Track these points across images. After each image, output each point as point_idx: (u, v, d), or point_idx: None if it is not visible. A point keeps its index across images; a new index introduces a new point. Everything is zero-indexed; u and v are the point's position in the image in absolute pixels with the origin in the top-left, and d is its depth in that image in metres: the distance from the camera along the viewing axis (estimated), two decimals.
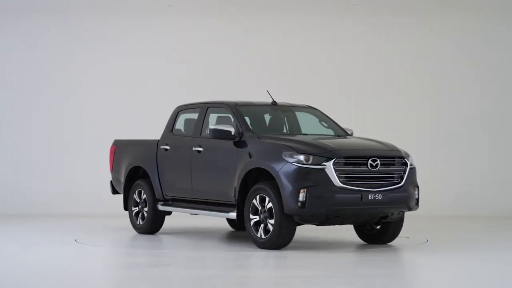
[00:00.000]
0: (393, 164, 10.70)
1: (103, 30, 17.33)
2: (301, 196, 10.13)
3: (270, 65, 17.20)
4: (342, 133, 12.03)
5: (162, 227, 12.70)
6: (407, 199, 10.72)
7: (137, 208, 12.73)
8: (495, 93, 17.28)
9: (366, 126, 15.93)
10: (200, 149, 11.62)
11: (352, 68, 17.30)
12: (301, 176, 10.19)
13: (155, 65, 17.29)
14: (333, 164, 10.25)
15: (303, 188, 10.13)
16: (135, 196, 12.75)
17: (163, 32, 17.34)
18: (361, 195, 10.31)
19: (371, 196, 10.36)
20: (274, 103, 12.05)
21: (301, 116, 12.23)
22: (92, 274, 8.88)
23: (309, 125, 12.12)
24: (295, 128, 11.95)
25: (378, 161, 10.51)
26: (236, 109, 11.50)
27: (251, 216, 10.69)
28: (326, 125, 12.18)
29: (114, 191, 13.49)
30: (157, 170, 12.35)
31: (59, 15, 17.30)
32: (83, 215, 15.54)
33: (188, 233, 12.93)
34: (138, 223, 12.66)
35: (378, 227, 11.35)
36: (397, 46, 17.28)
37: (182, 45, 17.32)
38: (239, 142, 11.04)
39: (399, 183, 10.66)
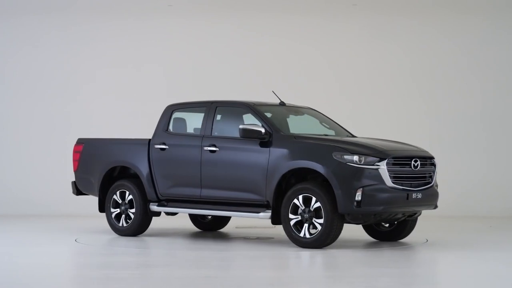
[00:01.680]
0: (426, 164, 11.10)
1: (102, 30, 17.33)
2: (358, 195, 10.35)
3: (269, 65, 17.20)
4: (348, 134, 12.14)
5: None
6: (436, 197, 11.26)
7: (118, 209, 12.34)
8: (495, 93, 17.28)
9: (366, 126, 15.94)
10: (214, 148, 11.50)
11: (352, 69, 17.30)
12: (357, 176, 10.41)
13: (154, 65, 17.30)
14: (386, 164, 10.52)
15: (360, 187, 10.35)
16: (116, 197, 12.35)
17: (163, 32, 17.34)
18: (407, 194, 10.68)
19: (414, 195, 10.78)
20: (282, 103, 12.08)
21: (302, 117, 12.25)
22: (92, 274, 8.87)
23: (311, 126, 12.11)
24: (285, 128, 11.86)
25: (419, 162, 10.88)
26: (256, 109, 11.49)
27: (291, 216, 10.73)
28: (328, 126, 12.21)
29: (79, 192, 13.05)
30: (150, 170, 12.09)
31: (58, 15, 17.30)
32: (83, 215, 15.53)
33: (173, 234, 12.83)
34: (121, 225, 12.30)
35: (387, 225, 11.72)
36: (397, 46, 17.27)
37: (182, 45, 17.33)
38: (268, 142, 11.05)
39: (430, 182, 11.10)
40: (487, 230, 13.91)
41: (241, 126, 11.09)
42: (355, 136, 12.12)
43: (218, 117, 11.84)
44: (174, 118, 12.22)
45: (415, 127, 16.98)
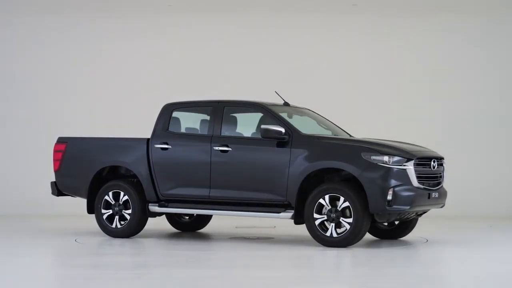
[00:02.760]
0: (438, 164, 11.46)
1: (102, 29, 17.34)
2: (389, 195, 10.58)
3: (268, 65, 17.19)
4: (346, 135, 12.17)
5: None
6: (445, 196, 11.73)
7: (110, 210, 12.04)
8: (494, 93, 17.28)
9: (366, 126, 15.93)
10: (226, 148, 11.42)
11: (352, 68, 17.30)
12: (388, 176, 10.64)
13: (154, 64, 17.30)
14: (413, 165, 10.81)
15: (391, 187, 10.58)
16: (108, 198, 12.04)
17: (163, 32, 17.35)
18: (428, 194, 11.06)
19: (433, 194, 11.18)
20: (286, 104, 12.10)
21: (303, 118, 12.26)
22: (92, 274, 8.87)
23: (309, 127, 12.10)
24: None
25: (436, 162, 11.32)
26: (271, 109, 11.51)
27: (316, 216, 10.84)
28: (325, 126, 12.23)
29: (59, 193, 12.62)
30: (150, 170, 11.89)
31: (58, 14, 17.32)
32: (82, 215, 15.49)
33: (167, 235, 12.78)
34: (114, 226, 11.99)
35: (386, 224, 11.91)
36: (397, 46, 17.27)
37: (181, 45, 17.33)
38: (287, 142, 11.09)
39: (441, 182, 11.53)
40: (487, 230, 13.92)
41: (263, 126, 11.12)
42: (353, 137, 12.15)
43: (228, 117, 11.78)
44: (175, 118, 12.08)
45: (415, 127, 16.97)
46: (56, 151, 12.57)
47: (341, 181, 10.95)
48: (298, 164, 10.96)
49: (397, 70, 17.27)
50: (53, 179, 12.88)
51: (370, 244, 11.43)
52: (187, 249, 11.18)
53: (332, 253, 10.51)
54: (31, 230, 13.44)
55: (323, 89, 17.10)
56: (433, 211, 12.27)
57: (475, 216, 16.10)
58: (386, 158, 10.67)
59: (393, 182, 10.63)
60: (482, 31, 17.28)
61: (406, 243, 11.56)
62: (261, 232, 13.11)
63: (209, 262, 9.88)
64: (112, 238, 12.14)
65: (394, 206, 10.61)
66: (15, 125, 17.30)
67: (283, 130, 11.06)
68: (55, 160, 12.54)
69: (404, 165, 10.74)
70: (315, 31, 17.30)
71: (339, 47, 17.29)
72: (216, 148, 11.50)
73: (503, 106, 17.21)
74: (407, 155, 10.84)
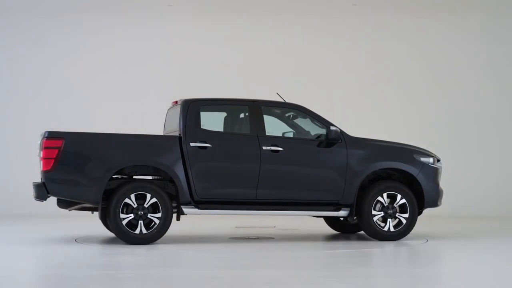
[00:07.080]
0: None
1: (102, 29, 17.36)
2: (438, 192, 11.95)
3: (269, 65, 17.21)
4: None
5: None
6: None
7: (131, 215, 10.89)
8: (495, 93, 17.30)
9: (363, 126, 15.94)
10: (278, 148, 11.32)
11: (352, 68, 17.31)
12: (437, 175, 11.95)
13: (153, 65, 17.31)
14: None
15: (439, 185, 11.92)
16: (130, 201, 10.88)
17: (163, 32, 17.36)
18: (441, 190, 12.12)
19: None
20: None
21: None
22: (92, 274, 8.88)
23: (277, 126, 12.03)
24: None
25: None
26: (312, 111, 11.72)
27: (375, 212, 11.61)
28: (319, 125, 12.10)
29: (46, 196, 10.92)
30: (186, 170, 11.00)
31: (59, 14, 17.34)
32: (83, 215, 15.48)
33: (168, 235, 12.77)
34: (139, 232, 10.91)
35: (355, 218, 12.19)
36: (397, 45, 17.28)
37: (181, 45, 17.34)
38: (340, 143, 11.52)
39: None
40: (487, 230, 13.92)
41: (332, 128, 11.42)
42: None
43: (269, 117, 11.71)
44: (203, 115, 11.43)
45: (414, 126, 16.98)
46: (47, 147, 10.83)
47: (396, 180, 11.78)
48: (357, 164, 11.54)
49: (397, 70, 17.28)
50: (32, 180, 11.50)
51: (369, 244, 11.44)
52: (186, 249, 11.17)
53: (332, 253, 10.51)
54: (29, 230, 13.43)
55: (323, 89, 17.10)
56: (433, 211, 12.28)
57: (475, 216, 16.10)
58: (431, 159, 11.81)
59: (439, 181, 11.90)
60: (482, 31, 17.29)
61: (406, 243, 11.57)
62: (261, 232, 13.12)
63: (209, 262, 9.88)
64: (112, 237, 12.05)
65: (438, 202, 11.87)
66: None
67: (339, 130, 11.52)
68: (46, 158, 10.83)
69: (438, 165, 11.91)
70: (315, 31, 17.31)
71: (339, 47, 17.29)
72: (266, 148, 11.35)
73: (503, 106, 17.22)
74: (437, 157, 11.96)
